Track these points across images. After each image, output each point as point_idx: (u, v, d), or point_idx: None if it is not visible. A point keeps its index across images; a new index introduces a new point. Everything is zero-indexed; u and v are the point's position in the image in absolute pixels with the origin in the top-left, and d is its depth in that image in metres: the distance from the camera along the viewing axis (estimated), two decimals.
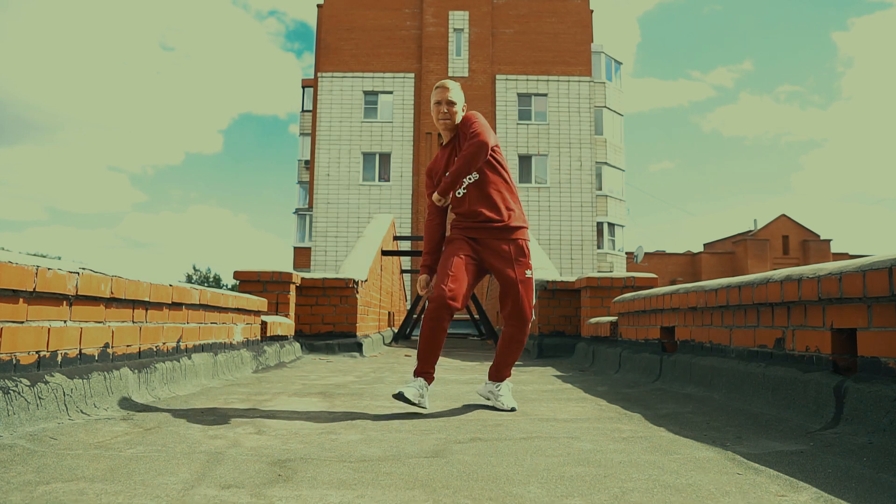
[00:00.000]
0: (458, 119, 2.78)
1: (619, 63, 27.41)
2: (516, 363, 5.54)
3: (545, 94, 24.72)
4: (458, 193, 2.78)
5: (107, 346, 2.65)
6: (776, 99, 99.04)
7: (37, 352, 2.19)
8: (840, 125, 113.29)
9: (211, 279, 49.57)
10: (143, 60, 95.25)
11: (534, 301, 2.90)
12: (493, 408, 2.77)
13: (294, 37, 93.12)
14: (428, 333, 2.63)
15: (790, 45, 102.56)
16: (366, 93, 24.63)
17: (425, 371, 2.65)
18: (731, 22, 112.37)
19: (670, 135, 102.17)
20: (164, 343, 3.19)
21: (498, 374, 2.85)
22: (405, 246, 20.51)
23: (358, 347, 6.19)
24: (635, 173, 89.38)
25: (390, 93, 24.56)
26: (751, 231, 38.79)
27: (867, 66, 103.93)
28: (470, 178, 2.74)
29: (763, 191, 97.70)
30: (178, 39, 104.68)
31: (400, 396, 2.51)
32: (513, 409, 2.70)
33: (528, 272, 2.78)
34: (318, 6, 25.67)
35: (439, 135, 2.91)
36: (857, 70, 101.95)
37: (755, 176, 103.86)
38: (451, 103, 2.75)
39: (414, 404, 2.54)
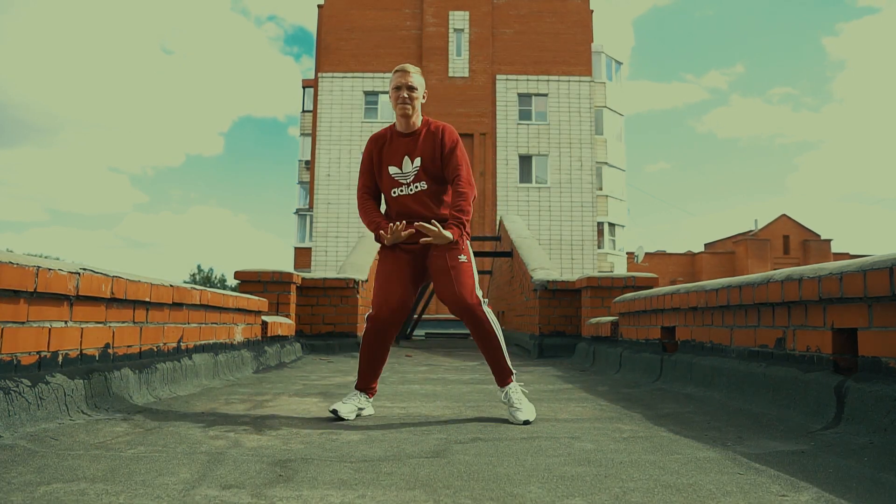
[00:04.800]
0: (418, 108, 2.61)
1: (620, 63, 27.40)
2: (516, 364, 5.54)
3: (545, 94, 24.70)
4: (407, 191, 2.63)
5: (108, 346, 2.65)
6: (769, 101, 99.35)
7: (38, 352, 2.19)
8: (834, 127, 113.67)
9: (215, 280, 49.63)
10: (143, 63, 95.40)
11: (477, 289, 2.60)
12: (499, 415, 2.55)
13: (293, 41, 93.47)
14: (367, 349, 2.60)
15: (781, 49, 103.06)
16: (366, 93, 24.62)
17: (368, 387, 2.62)
18: (722, 26, 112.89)
19: (666, 136, 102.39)
20: (164, 343, 3.19)
21: (497, 378, 2.60)
22: None
23: (358, 347, 6.18)
24: (633, 174, 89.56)
25: None
26: (751, 231, 38.78)
27: (859, 69, 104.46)
28: (419, 186, 2.62)
29: (759, 191, 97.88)
30: (179, 43, 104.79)
31: (334, 413, 2.45)
32: (526, 423, 2.37)
33: (462, 257, 2.57)
34: (319, 6, 25.68)
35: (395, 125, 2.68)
36: (849, 73, 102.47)
37: (751, 177, 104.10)
38: (412, 88, 2.57)
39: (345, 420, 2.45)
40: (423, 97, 2.64)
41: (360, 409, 2.56)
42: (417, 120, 2.64)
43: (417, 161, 2.60)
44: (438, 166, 2.62)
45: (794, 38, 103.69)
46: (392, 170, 2.63)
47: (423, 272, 2.66)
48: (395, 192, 2.63)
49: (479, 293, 2.59)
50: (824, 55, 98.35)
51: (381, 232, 2.59)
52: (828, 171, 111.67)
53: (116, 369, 2.63)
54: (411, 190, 2.62)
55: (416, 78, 2.61)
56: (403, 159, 2.61)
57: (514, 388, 2.54)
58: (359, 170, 2.76)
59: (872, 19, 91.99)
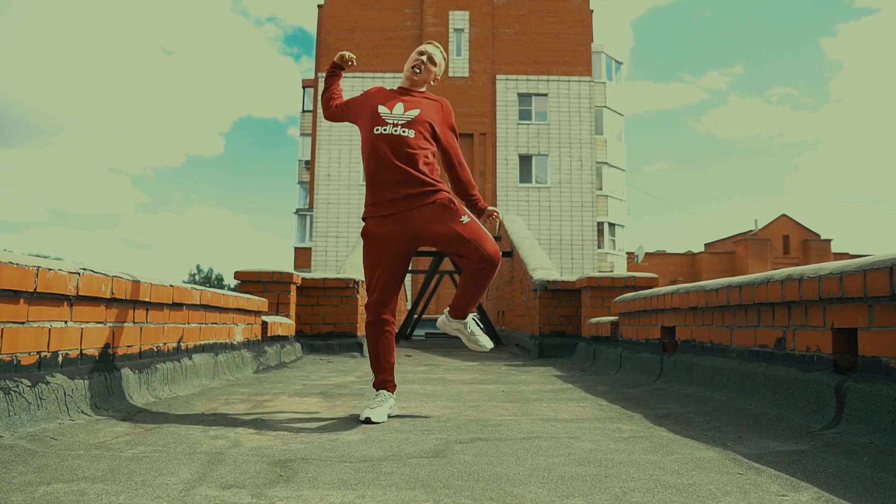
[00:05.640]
0: (428, 77, 2.67)
1: (620, 63, 27.40)
2: (516, 364, 5.55)
3: (545, 94, 24.70)
4: (394, 130, 2.53)
5: (107, 346, 2.65)
6: (767, 101, 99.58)
7: (38, 352, 2.19)
8: (832, 127, 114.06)
9: (213, 279, 49.63)
10: (144, 64, 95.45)
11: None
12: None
13: (292, 42, 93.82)
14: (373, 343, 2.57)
15: (779, 49, 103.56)
16: None
17: (385, 380, 2.57)
18: (720, 27, 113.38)
19: (665, 137, 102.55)
20: (164, 343, 3.19)
21: (462, 311, 2.65)
22: None
23: (358, 347, 6.19)
24: (633, 174, 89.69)
25: None
26: (751, 231, 38.78)
27: (857, 70, 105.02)
28: (405, 132, 2.54)
29: (759, 192, 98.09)
30: (179, 44, 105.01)
31: (368, 421, 2.37)
32: (483, 348, 2.67)
33: (464, 218, 2.51)
34: (319, 7, 25.68)
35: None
36: (847, 73, 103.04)
37: (750, 177, 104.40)
38: (432, 61, 2.67)
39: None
40: (434, 81, 2.71)
41: (391, 408, 2.50)
42: (422, 87, 2.71)
43: (414, 112, 2.56)
44: (432, 128, 2.59)
45: (792, 38, 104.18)
46: (382, 109, 2.57)
47: (414, 247, 2.57)
48: (377, 130, 2.53)
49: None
50: (822, 56, 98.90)
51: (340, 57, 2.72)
52: (827, 171, 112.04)
53: (116, 369, 2.63)
54: (396, 131, 2.51)
55: (440, 56, 2.70)
56: (396, 104, 2.59)
57: (472, 320, 2.69)
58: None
59: (870, 20, 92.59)
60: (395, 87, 2.72)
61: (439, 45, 2.72)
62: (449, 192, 2.57)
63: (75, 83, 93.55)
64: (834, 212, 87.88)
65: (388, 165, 2.49)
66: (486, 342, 2.69)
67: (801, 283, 2.43)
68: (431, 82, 2.71)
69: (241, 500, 1.35)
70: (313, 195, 24.47)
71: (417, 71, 2.64)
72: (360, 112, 2.65)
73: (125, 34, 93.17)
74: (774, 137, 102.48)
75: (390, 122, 2.53)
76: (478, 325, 2.71)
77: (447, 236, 2.48)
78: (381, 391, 2.54)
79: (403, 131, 2.51)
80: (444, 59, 2.73)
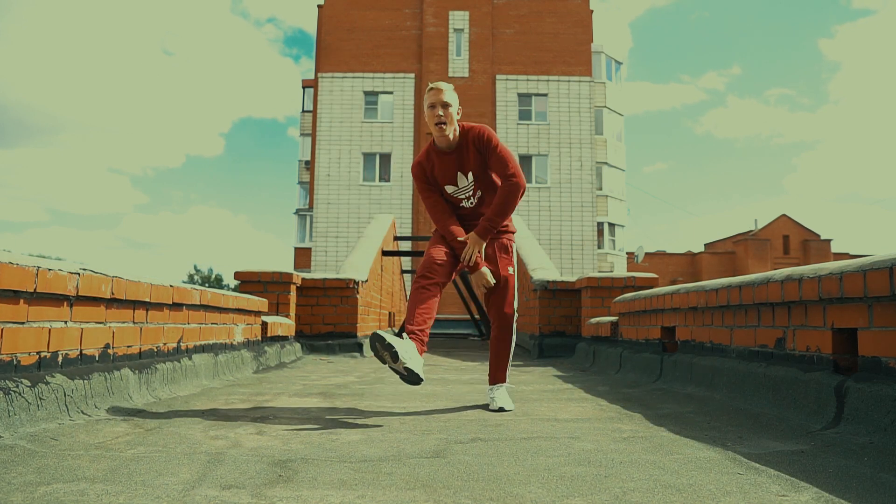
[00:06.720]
0: (454, 122, 2.64)
1: (619, 63, 27.40)
2: (516, 364, 5.55)
3: (545, 94, 24.70)
4: (468, 204, 2.79)
5: (107, 346, 2.65)
6: (766, 102, 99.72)
7: (37, 352, 2.19)
8: (831, 128, 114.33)
9: (212, 279, 49.59)
10: (144, 64, 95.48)
11: (515, 302, 2.87)
12: (498, 415, 2.63)
13: (292, 42, 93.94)
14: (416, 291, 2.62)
15: (777, 50, 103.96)
16: (366, 93, 24.62)
17: (412, 331, 2.49)
18: (718, 28, 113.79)
19: (664, 137, 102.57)
20: (164, 344, 3.19)
21: (493, 377, 2.87)
22: (406, 246, 20.51)
23: (358, 348, 6.19)
24: (632, 175, 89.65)
25: (390, 93, 24.56)
26: (751, 231, 38.79)
27: (854, 71, 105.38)
28: (476, 199, 2.78)
29: (758, 192, 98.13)
30: (179, 45, 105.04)
31: (408, 372, 2.33)
32: (500, 409, 2.67)
33: (511, 269, 2.80)
34: (319, 7, 25.67)
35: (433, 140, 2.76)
36: (845, 74, 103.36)
37: (750, 177, 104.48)
38: (447, 105, 2.61)
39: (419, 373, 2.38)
40: (458, 113, 2.68)
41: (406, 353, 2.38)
42: (455, 133, 2.68)
43: (471, 175, 2.72)
44: (489, 174, 2.73)
45: (790, 39, 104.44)
46: (450, 189, 2.74)
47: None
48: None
49: (516, 304, 2.82)
50: (820, 56, 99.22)
51: (460, 240, 2.71)
52: (826, 171, 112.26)
53: (116, 369, 2.63)
54: (471, 203, 2.77)
55: (450, 94, 2.65)
56: (457, 175, 2.72)
57: (503, 388, 2.82)
58: (421, 193, 2.83)
59: (867, 21, 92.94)
60: (436, 148, 2.72)
61: (440, 84, 2.66)
62: (510, 235, 2.86)
63: (75, 83, 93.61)
64: (834, 212, 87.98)
65: (469, 228, 2.79)
66: (509, 405, 2.72)
67: (801, 284, 2.43)
68: (458, 115, 2.67)
69: (241, 500, 1.35)
70: (313, 195, 24.47)
71: (444, 129, 2.63)
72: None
73: (125, 34, 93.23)
74: (773, 138, 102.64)
75: (463, 196, 2.76)
76: (509, 389, 2.95)
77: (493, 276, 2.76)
78: (409, 337, 2.44)
79: (474, 200, 2.77)
80: (453, 91, 2.68)
